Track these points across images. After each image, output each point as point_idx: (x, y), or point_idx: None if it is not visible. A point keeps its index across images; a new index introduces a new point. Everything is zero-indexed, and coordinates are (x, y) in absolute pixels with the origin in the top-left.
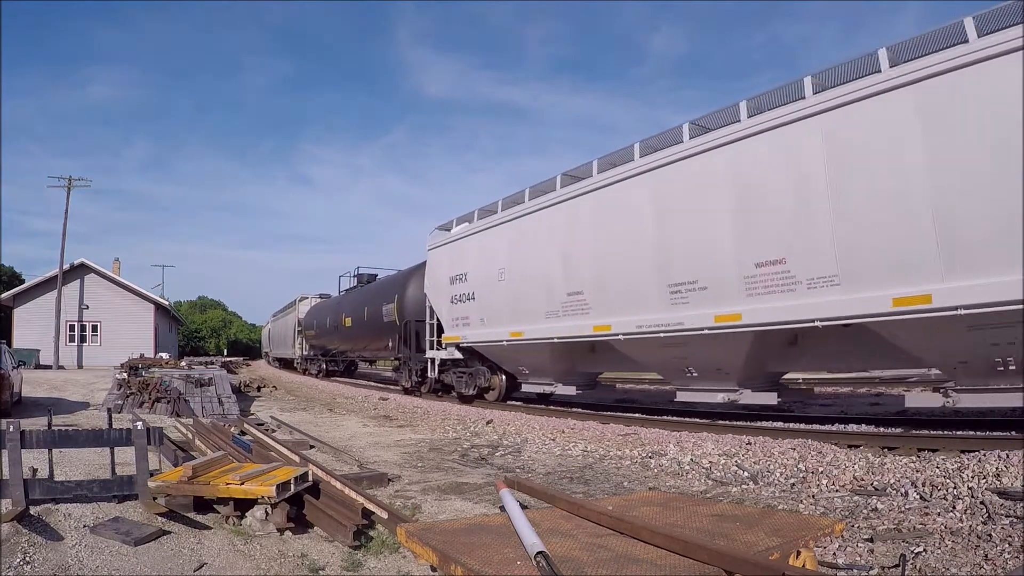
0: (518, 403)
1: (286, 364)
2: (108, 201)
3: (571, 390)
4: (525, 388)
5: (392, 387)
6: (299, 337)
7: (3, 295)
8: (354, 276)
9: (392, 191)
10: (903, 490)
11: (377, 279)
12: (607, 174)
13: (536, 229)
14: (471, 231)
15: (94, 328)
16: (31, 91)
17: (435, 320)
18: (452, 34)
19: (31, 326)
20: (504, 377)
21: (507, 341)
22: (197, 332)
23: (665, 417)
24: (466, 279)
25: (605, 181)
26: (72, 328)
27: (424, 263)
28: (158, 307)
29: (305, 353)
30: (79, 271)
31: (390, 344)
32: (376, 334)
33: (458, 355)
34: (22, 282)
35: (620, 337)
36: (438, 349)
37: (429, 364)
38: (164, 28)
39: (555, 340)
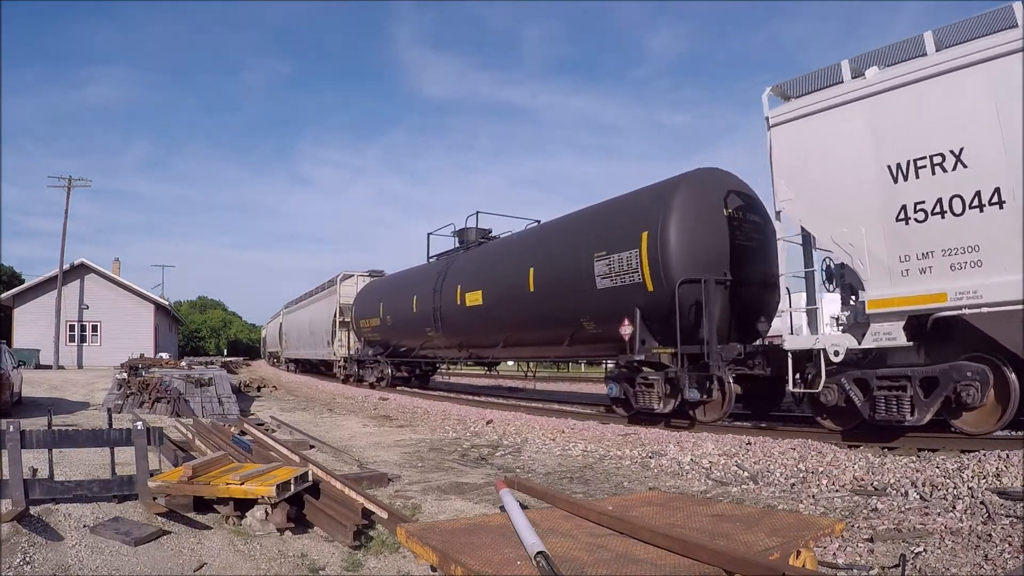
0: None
1: (312, 369)
2: (108, 201)
3: None
4: None
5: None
6: (342, 331)
7: (3, 295)
8: (455, 234)
9: (392, 191)
10: (903, 490)
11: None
12: None
13: None
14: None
15: (94, 328)
16: (31, 91)
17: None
18: (451, 34)
19: (31, 326)
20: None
21: None
22: (197, 332)
23: None
24: (959, 164)
25: None
26: (72, 328)
27: (700, 172)
28: (158, 307)
29: (354, 354)
30: (79, 271)
31: (601, 331)
32: (570, 312)
33: (902, 340)
34: (22, 282)
35: None
36: (836, 330)
37: (822, 365)
38: (164, 28)
39: None
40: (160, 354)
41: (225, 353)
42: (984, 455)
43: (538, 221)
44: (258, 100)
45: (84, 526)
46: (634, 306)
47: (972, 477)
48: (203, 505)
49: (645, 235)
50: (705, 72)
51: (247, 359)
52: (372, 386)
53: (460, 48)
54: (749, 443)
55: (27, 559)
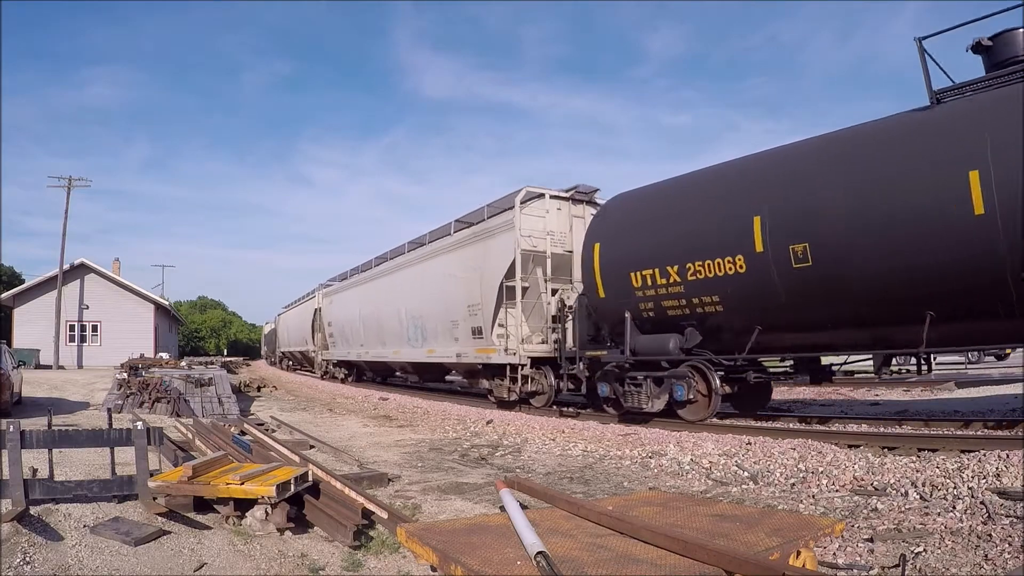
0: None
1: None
2: (108, 201)
3: None
4: None
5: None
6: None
7: (3, 295)
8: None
9: (392, 191)
10: (903, 490)
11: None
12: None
13: None
14: None
15: (94, 328)
16: (31, 91)
17: None
18: (450, 35)
19: (31, 326)
20: None
21: None
22: (197, 332)
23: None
24: None
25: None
26: (72, 328)
27: None
28: (158, 307)
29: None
30: (79, 271)
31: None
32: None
33: None
34: (22, 282)
35: None
36: None
37: None
38: (164, 28)
39: None
40: (160, 354)
41: (225, 353)
42: (984, 455)
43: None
44: (258, 100)
45: (84, 526)
46: None
47: (972, 477)
48: (203, 505)
49: None
50: (705, 72)
51: (247, 359)
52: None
53: (460, 48)
54: (749, 443)
55: (27, 559)
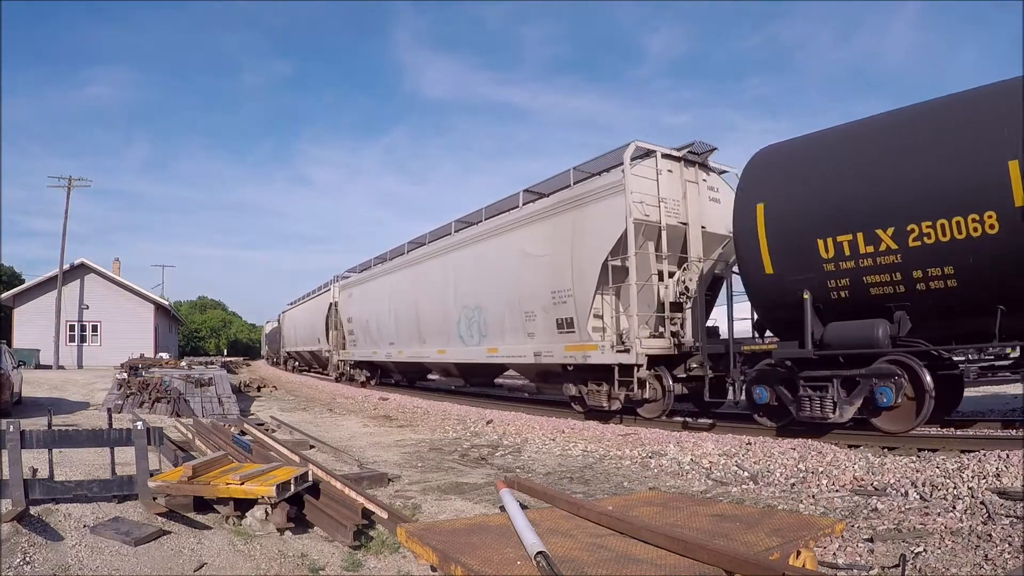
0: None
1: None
2: (108, 201)
3: None
4: None
5: None
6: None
7: (3, 295)
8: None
9: (391, 191)
10: (903, 490)
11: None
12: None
13: None
14: None
15: (94, 328)
16: (31, 91)
17: None
18: (450, 35)
19: (31, 326)
20: None
21: None
22: (197, 332)
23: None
24: None
25: None
26: (72, 328)
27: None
28: (158, 307)
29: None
30: (79, 271)
31: None
32: None
33: None
34: (22, 282)
35: None
36: None
37: None
38: (164, 28)
39: None
40: (160, 354)
41: (225, 353)
42: (984, 455)
43: None
44: (258, 100)
45: (84, 526)
46: None
47: (972, 477)
48: (203, 505)
49: None
50: (705, 72)
51: (247, 359)
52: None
53: (460, 48)
54: (749, 443)
55: (27, 559)
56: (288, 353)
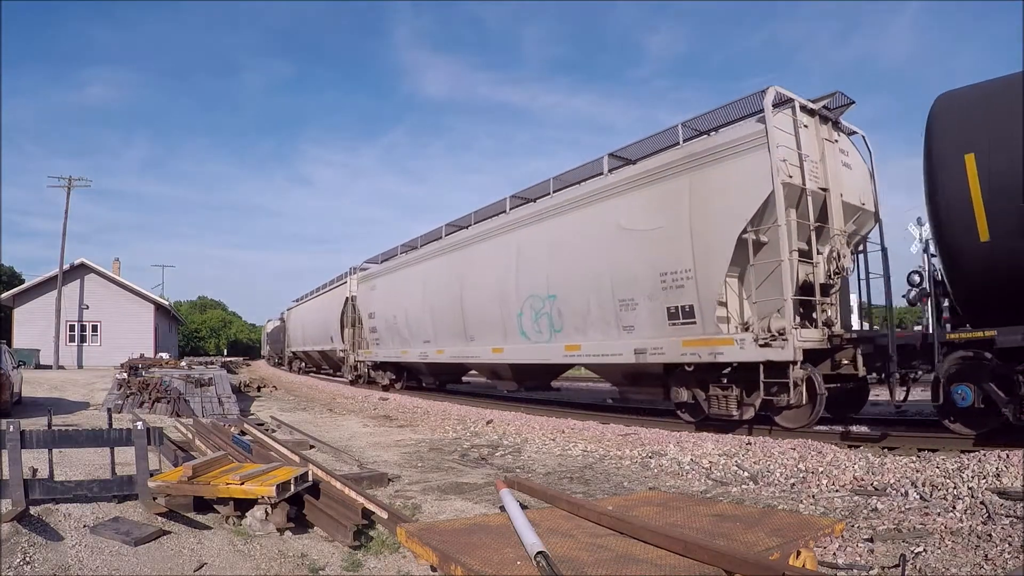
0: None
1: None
2: (108, 201)
3: None
4: None
5: None
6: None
7: (3, 295)
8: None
9: (391, 191)
10: (903, 490)
11: None
12: None
13: None
14: None
15: (94, 328)
16: (31, 91)
17: None
18: (450, 35)
19: (31, 326)
20: None
21: None
22: (197, 332)
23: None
24: None
25: None
26: (72, 328)
27: None
28: (158, 307)
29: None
30: (79, 271)
31: None
32: None
33: None
34: (22, 282)
35: None
36: None
37: None
38: (164, 28)
39: None
40: (160, 354)
41: (225, 353)
42: (984, 455)
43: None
44: (258, 100)
45: (84, 526)
46: None
47: (972, 477)
48: (203, 505)
49: None
50: (704, 72)
51: (247, 359)
52: None
53: (459, 48)
54: (749, 443)
55: (27, 559)
56: (294, 353)
